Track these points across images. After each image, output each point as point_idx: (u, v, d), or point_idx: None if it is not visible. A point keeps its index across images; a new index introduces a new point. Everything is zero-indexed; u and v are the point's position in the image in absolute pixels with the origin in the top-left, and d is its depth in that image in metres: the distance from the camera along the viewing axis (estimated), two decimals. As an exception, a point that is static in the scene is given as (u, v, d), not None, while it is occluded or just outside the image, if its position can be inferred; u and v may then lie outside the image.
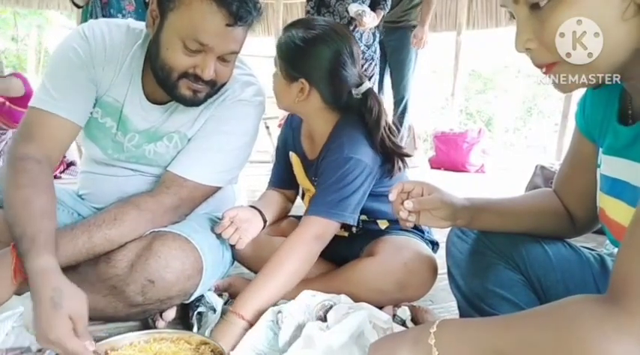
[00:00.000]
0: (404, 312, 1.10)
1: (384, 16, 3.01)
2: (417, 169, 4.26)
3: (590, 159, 0.79)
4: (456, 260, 0.96)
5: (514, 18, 0.64)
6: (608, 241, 0.83)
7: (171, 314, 1.08)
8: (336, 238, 1.13)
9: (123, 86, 1.08)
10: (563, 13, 0.58)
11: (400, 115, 3.79)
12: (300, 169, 1.30)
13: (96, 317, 1.01)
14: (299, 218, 1.40)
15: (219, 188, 1.13)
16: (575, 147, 0.84)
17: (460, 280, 0.95)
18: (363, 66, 3.01)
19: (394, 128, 1.20)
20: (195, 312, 1.07)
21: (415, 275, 1.13)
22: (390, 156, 1.17)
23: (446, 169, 4.53)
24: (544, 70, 0.64)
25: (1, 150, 3.23)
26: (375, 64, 3.09)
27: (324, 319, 0.95)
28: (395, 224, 1.25)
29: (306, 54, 1.11)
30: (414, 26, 3.62)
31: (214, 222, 1.18)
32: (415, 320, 1.12)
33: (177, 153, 1.11)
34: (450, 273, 0.98)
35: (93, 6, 2.56)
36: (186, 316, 1.10)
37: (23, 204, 0.90)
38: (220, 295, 1.19)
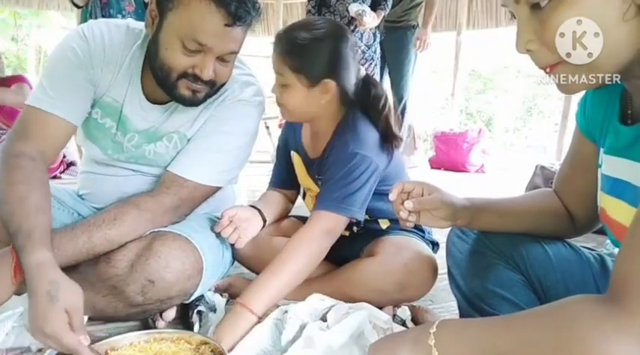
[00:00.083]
0: (404, 312, 1.10)
1: (384, 16, 3.01)
2: (417, 169, 4.26)
3: (590, 159, 0.79)
4: (456, 260, 0.96)
5: (515, 18, 0.64)
6: (608, 241, 0.83)
7: (171, 314, 1.08)
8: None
9: (122, 86, 1.08)
10: (564, 13, 0.58)
11: (399, 115, 3.79)
12: (302, 168, 1.30)
13: (96, 317, 1.02)
14: (299, 218, 1.41)
15: (219, 188, 1.13)
16: (575, 147, 0.84)
17: (460, 280, 0.95)
18: (362, 66, 3.01)
19: (393, 111, 1.21)
20: (195, 311, 1.07)
21: (415, 276, 1.13)
22: (389, 137, 1.18)
23: (446, 169, 4.53)
24: (547, 70, 0.64)
25: (2, 150, 3.23)
26: (375, 64, 3.09)
27: (324, 319, 0.95)
28: (396, 223, 1.25)
29: (325, 53, 1.10)
30: (414, 26, 3.62)
31: (214, 222, 1.18)
32: (415, 320, 1.12)
33: (177, 154, 1.11)
34: (450, 273, 0.98)
35: (92, 6, 2.56)
36: (186, 316, 1.10)
37: (18, 200, 0.90)
38: (221, 295, 1.19)
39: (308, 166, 1.29)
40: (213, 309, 1.09)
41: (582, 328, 0.50)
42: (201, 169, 1.08)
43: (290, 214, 1.44)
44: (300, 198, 1.42)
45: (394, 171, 1.22)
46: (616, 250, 0.72)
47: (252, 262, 1.29)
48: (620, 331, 0.48)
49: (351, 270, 1.16)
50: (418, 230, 1.28)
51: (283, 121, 1.39)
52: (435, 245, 1.32)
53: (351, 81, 1.15)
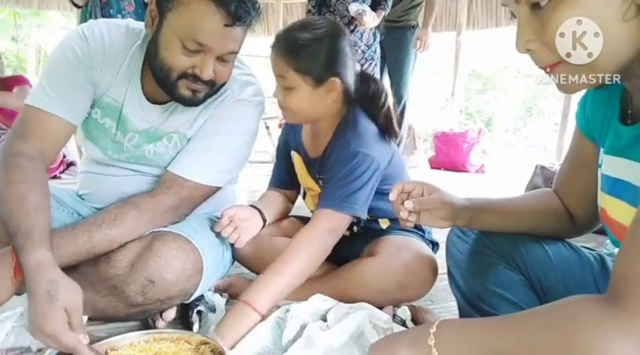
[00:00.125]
0: (404, 312, 1.10)
1: (384, 16, 3.01)
2: (417, 169, 4.26)
3: (590, 159, 0.79)
4: (456, 260, 0.96)
5: (515, 17, 0.64)
6: (608, 241, 0.83)
7: (171, 314, 1.07)
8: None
9: (122, 86, 1.08)
10: (564, 13, 0.58)
11: (399, 115, 3.79)
12: (303, 168, 1.30)
13: (96, 317, 1.02)
14: (300, 218, 1.41)
15: (219, 188, 1.13)
16: (575, 147, 0.84)
17: (460, 280, 0.95)
18: (362, 65, 3.01)
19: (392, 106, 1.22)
20: (195, 311, 1.07)
21: (415, 276, 1.13)
22: (389, 132, 1.20)
23: (446, 169, 4.53)
24: (548, 69, 0.64)
25: (1, 149, 3.23)
26: (375, 64, 3.09)
27: (324, 319, 0.95)
28: (396, 223, 1.25)
29: (329, 51, 1.11)
30: (414, 26, 3.62)
31: (214, 222, 1.18)
32: (415, 320, 1.12)
33: (177, 154, 1.11)
34: (450, 273, 0.98)
35: (92, 6, 2.56)
36: (186, 316, 1.10)
37: (17, 199, 0.90)
38: (221, 295, 1.19)
39: (308, 166, 1.29)
40: (213, 309, 1.09)
41: (582, 328, 0.50)
42: (201, 169, 1.08)
43: (290, 214, 1.44)
44: (300, 198, 1.42)
45: (394, 170, 1.22)
46: (616, 250, 0.72)
47: (252, 262, 1.29)
48: (621, 331, 0.48)
49: (351, 270, 1.16)
50: (418, 230, 1.28)
51: (283, 121, 1.39)
52: (434, 245, 1.32)
53: (352, 78, 1.16)
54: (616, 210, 0.70)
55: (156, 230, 1.04)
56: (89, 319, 0.98)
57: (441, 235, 1.21)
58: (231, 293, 1.22)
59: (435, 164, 4.70)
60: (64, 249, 0.92)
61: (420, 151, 5.15)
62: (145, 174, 1.16)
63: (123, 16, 2.51)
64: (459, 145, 4.52)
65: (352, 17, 2.86)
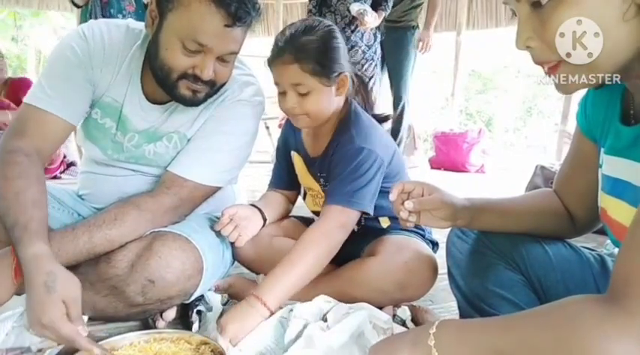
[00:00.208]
0: (404, 312, 1.10)
1: (385, 16, 3.01)
2: (417, 169, 4.26)
3: (591, 159, 0.79)
4: (456, 260, 0.96)
5: (516, 15, 0.64)
6: (608, 241, 0.83)
7: (171, 314, 1.08)
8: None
9: (122, 86, 1.08)
10: (564, 13, 0.58)
11: (399, 115, 3.79)
12: (303, 168, 1.31)
13: (96, 317, 1.02)
14: (300, 218, 1.41)
15: (219, 188, 1.13)
16: (575, 147, 0.84)
17: (460, 280, 0.95)
18: (363, 66, 3.01)
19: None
20: (195, 311, 1.07)
21: (415, 275, 1.13)
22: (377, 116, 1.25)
23: (446, 169, 4.53)
24: (546, 69, 0.64)
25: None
26: (375, 65, 3.09)
27: (324, 319, 0.95)
28: (396, 222, 1.25)
29: (335, 48, 1.11)
30: (414, 27, 3.62)
31: (214, 222, 1.18)
32: (415, 320, 1.12)
33: (177, 154, 1.11)
34: (450, 273, 0.98)
35: (93, 6, 2.56)
36: (186, 316, 1.10)
37: (14, 194, 0.91)
38: (221, 295, 1.19)
39: (309, 165, 1.29)
40: (214, 309, 1.09)
41: (582, 328, 0.50)
42: (201, 169, 1.08)
43: (290, 214, 1.44)
44: (300, 198, 1.42)
45: (395, 169, 1.23)
46: (616, 250, 0.72)
47: (252, 262, 1.29)
48: (621, 331, 0.48)
49: (352, 270, 1.16)
50: (418, 230, 1.28)
51: (283, 121, 1.39)
52: (434, 245, 1.32)
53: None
54: (616, 210, 0.70)
55: (156, 230, 1.04)
56: (89, 319, 0.98)
57: (441, 235, 1.21)
58: (231, 293, 1.22)
59: (435, 164, 4.70)
60: (64, 249, 0.92)
61: (420, 151, 5.15)
62: (145, 174, 1.16)
63: (123, 16, 2.51)
64: (459, 145, 4.52)
65: (353, 17, 2.87)
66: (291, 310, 0.96)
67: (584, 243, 0.93)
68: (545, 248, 0.87)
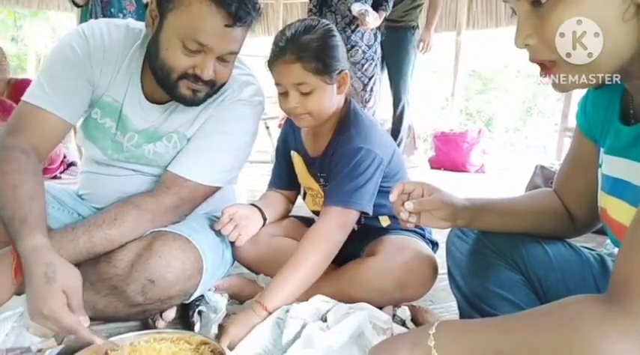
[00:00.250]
0: (404, 312, 1.10)
1: (385, 17, 3.01)
2: (416, 169, 4.26)
3: (590, 158, 0.79)
4: (456, 260, 0.96)
5: (515, 14, 0.64)
6: (608, 241, 0.83)
7: (171, 314, 1.08)
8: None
9: (122, 86, 1.08)
10: (564, 12, 0.58)
11: (399, 115, 3.79)
12: (303, 167, 1.31)
13: (96, 317, 1.01)
14: (300, 218, 1.41)
15: (219, 188, 1.13)
16: (575, 147, 0.84)
17: (460, 280, 0.95)
18: (363, 66, 3.01)
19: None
20: (196, 311, 1.07)
21: (415, 275, 1.13)
22: None
23: (446, 169, 4.53)
24: (542, 72, 0.65)
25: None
26: (376, 65, 3.09)
27: (324, 319, 0.95)
28: (396, 221, 1.25)
29: (335, 46, 1.12)
30: (414, 27, 3.62)
31: (214, 222, 1.18)
32: (415, 320, 1.12)
33: (177, 153, 1.11)
34: (450, 273, 0.98)
35: (93, 5, 2.56)
36: (186, 316, 1.10)
37: (12, 188, 0.91)
38: (221, 295, 1.19)
39: (309, 165, 1.29)
40: (214, 309, 1.09)
41: (582, 328, 0.50)
42: (201, 169, 1.08)
43: (290, 214, 1.44)
44: (300, 198, 1.42)
45: (394, 169, 1.23)
46: (616, 250, 0.72)
47: (252, 262, 1.29)
48: (621, 331, 0.48)
49: (352, 270, 1.16)
50: (418, 229, 1.28)
51: (283, 121, 1.39)
52: (434, 245, 1.32)
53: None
54: (616, 209, 0.70)
55: (156, 230, 1.04)
56: (89, 319, 0.98)
57: (441, 235, 1.21)
58: (231, 293, 1.22)
59: (435, 164, 4.70)
60: (64, 249, 0.92)
61: (420, 151, 5.16)
62: (144, 174, 1.16)
63: (124, 16, 2.52)
64: (459, 145, 4.52)
65: (353, 17, 2.87)
66: (288, 311, 0.95)
67: (584, 242, 0.93)
68: (545, 248, 0.87)
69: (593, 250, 0.90)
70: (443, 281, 1.07)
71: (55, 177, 3.23)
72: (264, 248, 1.26)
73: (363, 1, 2.86)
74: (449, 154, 4.57)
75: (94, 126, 1.12)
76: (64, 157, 3.37)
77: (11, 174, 0.93)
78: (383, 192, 1.17)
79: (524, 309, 0.66)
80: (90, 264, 0.98)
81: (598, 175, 0.76)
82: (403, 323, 1.08)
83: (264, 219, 1.25)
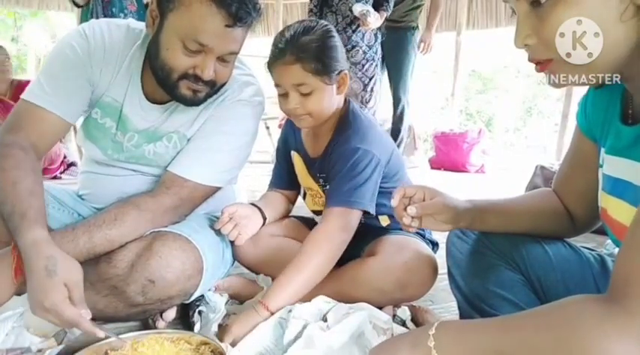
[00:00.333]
0: (404, 312, 1.11)
1: (386, 17, 3.01)
2: (417, 169, 4.26)
3: (590, 158, 0.79)
4: (456, 260, 0.96)
5: (515, 13, 0.64)
6: (608, 241, 0.83)
7: (171, 314, 1.08)
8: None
9: (122, 86, 1.08)
10: (563, 12, 0.58)
11: (399, 116, 3.79)
12: (303, 168, 1.31)
13: (96, 317, 1.01)
14: (300, 218, 1.41)
15: (219, 188, 1.13)
16: (575, 147, 0.84)
17: (460, 280, 0.95)
18: (364, 66, 3.01)
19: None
20: (196, 311, 1.07)
21: (415, 275, 1.13)
22: None
23: (446, 169, 4.54)
24: (538, 67, 0.65)
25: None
26: (376, 65, 3.09)
27: (324, 319, 0.95)
28: (396, 221, 1.25)
29: (334, 46, 1.12)
30: (414, 27, 3.62)
31: (214, 222, 1.18)
32: (415, 321, 1.12)
33: (177, 154, 1.11)
34: (450, 274, 0.98)
35: (94, 5, 2.56)
36: (186, 316, 1.10)
37: (11, 184, 0.91)
38: (221, 295, 1.19)
39: (309, 166, 1.29)
40: (214, 309, 1.09)
41: (582, 328, 0.50)
42: (201, 169, 1.08)
43: (290, 214, 1.44)
44: (300, 198, 1.43)
45: (394, 169, 1.23)
46: (616, 250, 0.72)
47: (252, 262, 1.29)
48: (621, 331, 0.48)
49: (352, 270, 1.16)
50: (418, 230, 1.28)
51: (283, 121, 1.39)
52: (434, 245, 1.32)
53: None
54: (617, 209, 0.70)
55: (156, 230, 1.04)
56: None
57: (441, 235, 1.21)
58: (231, 293, 1.22)
59: (435, 164, 4.70)
60: (64, 249, 0.92)
61: (420, 151, 5.16)
62: (145, 174, 1.16)
63: (125, 15, 2.52)
64: (459, 145, 4.52)
65: (354, 17, 2.87)
66: (290, 311, 0.96)
67: (584, 242, 0.93)
68: (545, 248, 0.87)
69: (593, 250, 0.90)
70: (443, 281, 1.07)
71: (55, 178, 3.23)
72: (264, 248, 1.26)
73: (364, 1, 2.86)
74: (449, 154, 4.57)
75: (94, 126, 1.12)
76: (65, 157, 3.37)
77: (10, 171, 0.93)
78: (382, 191, 1.17)
79: (524, 309, 0.66)
80: (90, 264, 0.98)
81: (598, 175, 0.76)
82: (403, 324, 1.08)
83: (264, 219, 1.25)
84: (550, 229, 0.89)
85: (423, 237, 1.28)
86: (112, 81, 1.07)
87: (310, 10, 3.01)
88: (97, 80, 1.07)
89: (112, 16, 2.49)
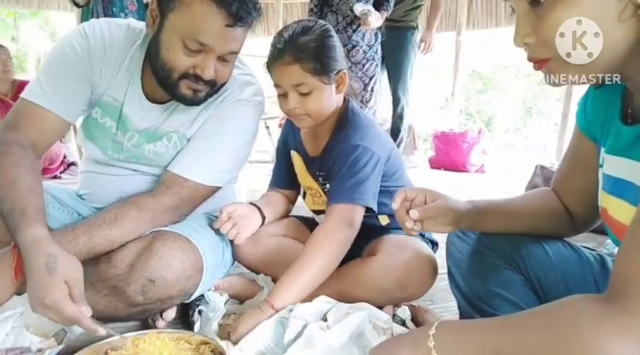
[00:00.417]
0: (404, 312, 1.11)
1: (386, 17, 3.02)
2: (416, 169, 4.26)
3: (590, 157, 0.79)
4: (456, 260, 0.96)
5: (515, 12, 0.65)
6: (608, 241, 0.83)
7: (171, 313, 1.08)
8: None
9: (122, 86, 1.08)
10: (563, 12, 0.58)
11: (399, 115, 3.79)
12: (303, 167, 1.31)
13: (96, 317, 1.01)
14: (300, 218, 1.41)
15: (219, 188, 1.13)
16: (575, 146, 0.84)
17: (460, 280, 0.95)
18: (364, 66, 3.01)
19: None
20: (196, 311, 1.07)
21: (415, 274, 1.13)
22: None
23: (446, 169, 4.54)
24: (535, 65, 0.65)
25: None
26: (376, 65, 3.10)
27: (324, 319, 0.95)
28: (395, 220, 1.25)
29: (333, 46, 1.12)
30: (414, 27, 3.62)
31: (214, 222, 1.18)
32: (415, 320, 1.12)
33: (177, 153, 1.11)
34: (450, 273, 0.98)
35: (95, 4, 2.56)
36: (186, 316, 1.10)
37: (10, 181, 0.91)
38: (220, 295, 1.19)
39: (308, 165, 1.29)
40: (213, 309, 1.09)
41: (582, 327, 0.50)
42: (201, 169, 1.08)
43: (290, 214, 1.44)
44: (300, 198, 1.43)
45: (393, 168, 1.24)
46: (616, 250, 0.72)
47: (252, 262, 1.29)
48: (621, 331, 0.48)
49: (352, 270, 1.16)
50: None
51: (283, 121, 1.39)
52: (434, 244, 1.32)
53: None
54: (617, 209, 0.70)
55: (156, 230, 1.04)
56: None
57: (440, 235, 1.20)
58: (232, 293, 1.22)
59: (435, 164, 4.70)
60: (64, 249, 0.92)
61: (420, 151, 5.16)
62: (145, 174, 1.16)
63: (126, 15, 2.52)
64: (459, 145, 4.52)
65: (355, 17, 2.87)
66: (291, 310, 0.96)
67: (584, 242, 0.93)
68: (545, 248, 0.87)
69: (593, 250, 0.90)
70: (443, 281, 1.07)
71: (55, 177, 3.23)
72: (264, 248, 1.26)
73: (365, 0, 2.86)
74: (449, 154, 4.57)
75: (94, 126, 1.12)
76: (64, 157, 3.37)
77: (10, 169, 0.93)
78: (382, 190, 1.17)
79: (525, 309, 0.66)
80: (90, 264, 0.98)
81: (598, 174, 0.76)
82: (403, 323, 1.08)
83: (263, 218, 1.25)
84: (550, 228, 0.89)
85: (422, 236, 1.28)
86: (112, 80, 1.08)
87: (310, 10, 3.01)
88: (97, 79, 1.07)
89: (113, 15, 2.49)
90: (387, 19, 3.10)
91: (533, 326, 0.55)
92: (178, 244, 1.01)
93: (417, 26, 3.65)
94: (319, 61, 1.09)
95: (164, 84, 1.01)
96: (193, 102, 1.03)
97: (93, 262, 0.98)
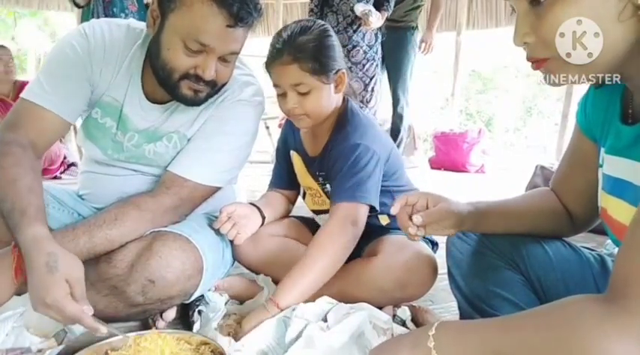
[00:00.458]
0: (404, 312, 1.10)
1: (387, 17, 3.02)
2: (416, 169, 4.26)
3: (589, 157, 0.79)
4: (457, 260, 0.96)
5: (515, 12, 0.65)
6: (608, 241, 0.83)
7: (171, 314, 1.08)
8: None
9: (122, 86, 1.08)
10: (563, 12, 0.58)
11: (399, 115, 3.79)
12: (302, 167, 1.31)
13: (96, 317, 1.02)
14: (300, 218, 1.41)
15: (219, 188, 1.13)
16: (574, 146, 0.85)
17: (461, 281, 0.95)
18: (364, 66, 3.01)
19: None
20: (196, 311, 1.07)
21: (415, 274, 1.13)
22: None
23: (446, 169, 4.53)
24: (534, 65, 0.65)
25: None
26: (377, 65, 3.10)
27: (324, 319, 0.95)
28: (395, 220, 1.25)
29: (332, 46, 1.12)
30: (414, 27, 3.62)
31: (213, 222, 1.18)
32: (415, 321, 1.12)
33: (177, 153, 1.11)
34: (450, 274, 0.98)
35: (95, 5, 2.56)
36: (186, 316, 1.10)
37: (10, 181, 0.91)
38: (220, 295, 1.19)
39: (308, 165, 1.29)
40: (213, 309, 1.09)
41: (582, 328, 0.50)
42: (201, 169, 1.08)
43: (290, 214, 1.44)
44: (300, 198, 1.43)
45: (393, 168, 1.24)
46: (616, 250, 0.72)
47: (252, 262, 1.29)
48: (620, 331, 0.48)
49: (352, 270, 1.16)
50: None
51: (283, 121, 1.39)
52: (434, 244, 1.33)
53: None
54: (617, 209, 0.70)
55: (156, 230, 1.04)
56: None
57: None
58: (232, 293, 1.22)
59: (435, 164, 4.70)
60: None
61: (420, 151, 5.16)
62: (145, 174, 1.16)
63: (126, 15, 2.52)
64: (459, 145, 4.52)
65: (355, 17, 2.87)
66: (294, 310, 0.96)
67: (584, 242, 0.93)
68: (545, 248, 0.87)
69: (593, 250, 0.90)
70: (443, 281, 1.07)
71: (55, 178, 3.23)
72: (264, 248, 1.26)
73: (365, 1, 2.86)
74: (449, 154, 4.57)
75: (95, 126, 1.13)
76: (65, 158, 3.37)
77: (10, 168, 0.93)
78: (382, 191, 1.17)
79: (525, 309, 0.66)
80: (90, 264, 0.98)
81: (597, 174, 0.76)
82: (403, 324, 1.08)
83: (263, 218, 1.26)
84: (549, 228, 0.89)
85: (422, 236, 1.28)
86: (112, 80, 1.08)
87: (311, 10, 3.01)
88: (97, 80, 1.07)
89: (113, 16, 2.49)
90: (387, 20, 3.10)
91: (534, 326, 0.55)
92: (178, 244, 1.01)
93: (417, 26, 3.65)
94: (318, 61, 1.09)
95: (165, 84, 1.01)
96: (194, 102, 1.03)
97: (93, 262, 0.98)
